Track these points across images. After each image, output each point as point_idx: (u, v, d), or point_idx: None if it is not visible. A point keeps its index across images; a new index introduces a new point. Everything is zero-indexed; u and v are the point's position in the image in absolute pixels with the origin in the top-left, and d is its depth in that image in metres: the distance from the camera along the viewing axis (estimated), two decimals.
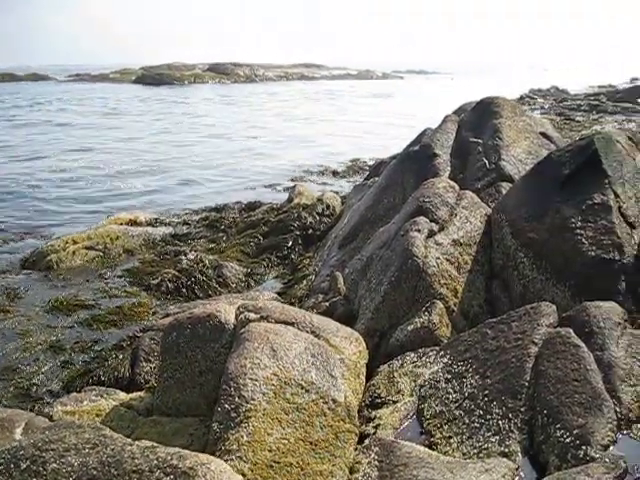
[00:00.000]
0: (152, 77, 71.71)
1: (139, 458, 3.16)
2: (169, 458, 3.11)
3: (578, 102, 34.84)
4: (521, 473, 3.67)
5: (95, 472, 3.10)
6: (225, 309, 4.90)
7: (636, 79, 55.78)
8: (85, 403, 5.36)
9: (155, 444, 3.35)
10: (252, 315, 4.75)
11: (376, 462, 3.76)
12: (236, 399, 3.97)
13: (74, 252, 10.06)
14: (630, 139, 7.13)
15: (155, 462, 3.10)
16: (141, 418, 4.90)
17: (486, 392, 4.27)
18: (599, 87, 50.90)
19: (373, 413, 4.66)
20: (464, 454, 3.96)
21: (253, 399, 3.96)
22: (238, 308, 4.92)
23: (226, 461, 3.62)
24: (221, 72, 78.24)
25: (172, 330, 4.90)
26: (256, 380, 4.07)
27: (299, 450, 3.83)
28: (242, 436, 3.78)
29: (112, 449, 3.26)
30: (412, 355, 5.24)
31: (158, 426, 4.65)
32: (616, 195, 5.74)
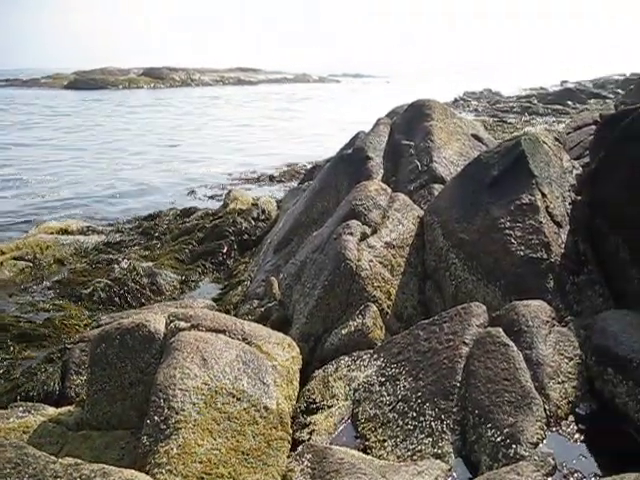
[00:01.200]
0: (85, 82, 70.39)
1: (62, 477, 3.06)
2: (93, 475, 3.02)
3: (511, 104, 35.60)
4: (454, 474, 3.68)
5: None
6: (154, 318, 4.79)
7: (566, 82, 57.24)
8: (12, 420, 5.16)
9: (79, 461, 3.24)
10: (182, 324, 4.65)
11: (309, 469, 3.71)
12: (165, 410, 3.87)
13: (1, 263, 9.72)
14: (557, 140, 7.28)
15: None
16: (71, 433, 4.74)
17: (419, 394, 4.27)
18: (531, 89, 52.03)
19: (308, 419, 4.62)
20: (398, 457, 3.96)
21: (183, 410, 3.87)
22: (168, 317, 4.81)
23: (155, 474, 3.53)
24: (156, 77, 77.15)
25: (100, 341, 4.76)
26: (186, 390, 3.98)
27: (231, 460, 3.75)
28: (172, 448, 3.69)
29: (34, 468, 3.15)
30: (346, 359, 5.22)
31: (88, 441, 4.50)
32: (543, 195, 5.83)
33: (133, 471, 3.11)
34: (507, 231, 5.63)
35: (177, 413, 3.85)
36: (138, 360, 4.58)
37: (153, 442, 3.76)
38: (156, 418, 3.86)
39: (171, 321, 4.73)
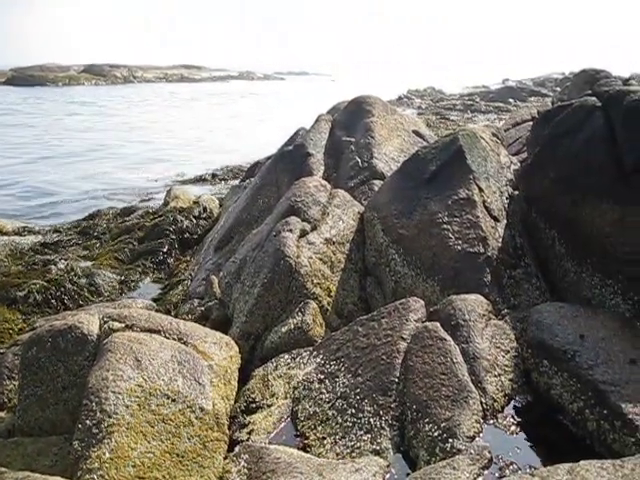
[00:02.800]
0: (24, 79, 68.74)
1: None
2: None
3: (453, 102, 36.01)
4: (392, 470, 3.67)
5: None
6: (88, 319, 4.66)
7: (507, 80, 58.11)
8: None
9: (3, 469, 3.14)
10: (116, 324, 4.54)
11: (245, 470, 3.66)
12: (98, 414, 3.76)
13: None
14: (495, 135, 7.36)
15: None
16: (1, 440, 4.58)
17: (358, 390, 4.25)
18: (474, 88, 52.70)
19: (247, 418, 4.56)
20: (337, 454, 3.92)
21: (116, 413, 3.77)
22: (102, 318, 4.69)
23: None
24: (97, 73, 75.81)
25: (32, 345, 4.61)
26: (119, 393, 3.88)
27: (165, 463, 3.67)
28: (104, 453, 3.59)
29: None
30: (286, 357, 5.17)
31: (20, 447, 4.36)
32: (480, 190, 5.87)
33: (59, 478, 3.00)
34: (445, 226, 5.65)
35: (110, 416, 3.75)
36: (71, 363, 4.45)
37: (85, 447, 3.66)
38: (88, 422, 3.75)
39: (105, 322, 4.61)
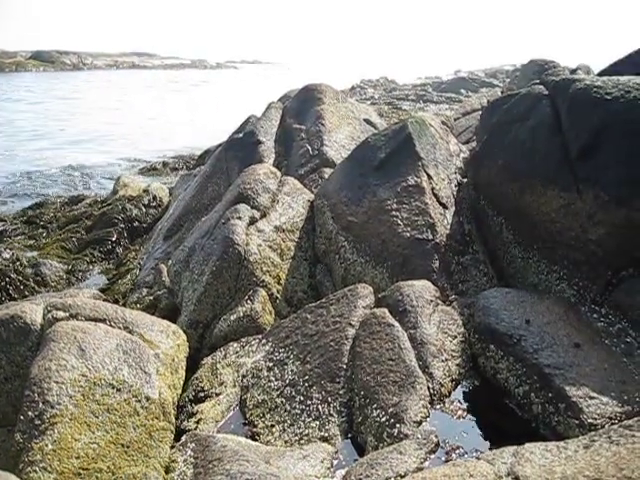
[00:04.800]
0: None
1: None
2: None
3: (406, 92, 36.10)
4: (340, 456, 3.66)
5: None
6: (31, 309, 4.54)
7: (459, 71, 58.56)
8: None
9: None
10: (60, 314, 4.43)
11: (191, 459, 3.61)
12: (40, 405, 3.67)
13: None
14: (444, 124, 7.40)
15: None
16: None
17: (306, 377, 4.24)
18: (426, 78, 52.94)
19: (196, 408, 4.51)
20: (286, 442, 3.91)
21: (59, 404, 3.68)
22: (45, 307, 4.58)
23: (29, 473, 3.35)
24: (46, 60, 74.24)
25: None
26: (62, 383, 3.79)
27: (110, 454, 3.60)
28: (47, 444, 3.50)
29: None
30: (235, 345, 5.13)
31: None
32: (429, 177, 5.90)
33: (2, 472, 2.92)
34: (394, 213, 5.66)
35: (52, 407, 3.66)
36: (13, 353, 4.34)
37: (27, 439, 3.56)
38: (30, 413, 3.65)
39: (48, 311, 4.50)
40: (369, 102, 30.09)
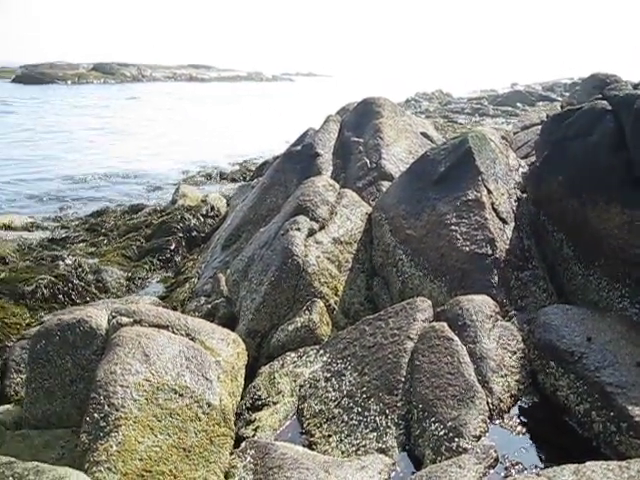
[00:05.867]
0: (33, 76, 68.82)
1: None
2: (26, 473, 2.92)
3: (461, 105, 35.91)
4: (397, 468, 3.68)
5: None
6: (96, 314, 4.69)
7: (516, 84, 57.99)
8: None
9: (12, 459, 3.14)
10: (125, 319, 4.56)
11: (251, 465, 3.67)
12: (105, 407, 3.78)
13: None
14: (504, 138, 7.37)
15: (11, 478, 2.90)
16: (9, 432, 4.61)
17: (364, 389, 4.26)
18: (482, 91, 52.59)
19: (253, 415, 4.58)
20: (343, 452, 3.94)
21: (123, 407, 3.79)
22: (110, 312, 4.72)
23: (94, 473, 3.45)
24: (106, 72, 75.91)
25: (40, 338, 4.64)
26: (127, 387, 3.90)
27: (172, 457, 3.69)
28: (111, 446, 3.60)
29: None
30: (292, 355, 5.19)
31: (27, 440, 4.39)
32: (489, 191, 5.88)
33: (67, 468, 3.02)
34: (453, 227, 5.66)
35: (117, 410, 3.76)
36: (79, 357, 4.48)
37: (92, 440, 3.67)
38: (95, 415, 3.77)
39: (113, 317, 4.64)
40: (424, 115, 30.02)
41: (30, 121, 32.56)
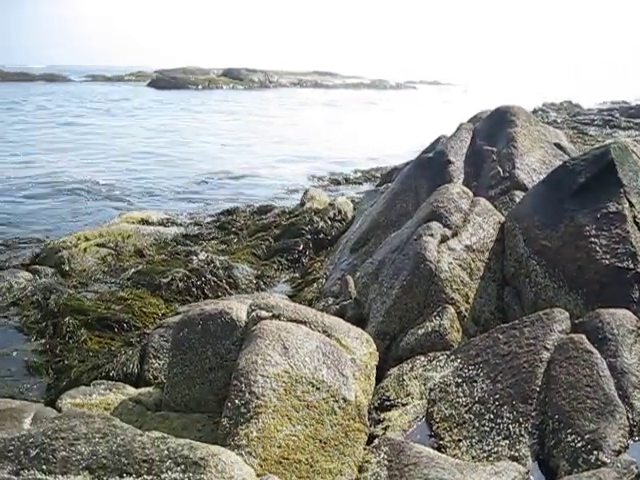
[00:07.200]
0: (166, 81, 71.67)
1: (149, 448, 3.16)
2: (180, 449, 3.11)
3: (591, 117, 34.71)
4: (531, 477, 3.66)
5: (105, 461, 3.11)
6: (237, 306, 4.91)
7: None
8: (94, 396, 5.37)
9: (166, 435, 3.36)
10: (264, 313, 4.75)
11: (385, 462, 3.75)
12: (246, 395, 3.96)
13: (85, 249, 10.04)
14: None
15: (166, 452, 3.10)
16: (149, 413, 4.89)
17: (497, 396, 4.26)
18: (612, 102, 50.67)
19: (382, 415, 4.66)
20: (473, 457, 3.95)
21: (263, 395, 3.96)
22: (250, 306, 4.92)
23: None
24: (235, 77, 78.10)
25: (183, 326, 4.90)
26: (267, 377, 4.07)
27: (308, 447, 3.82)
28: (252, 432, 3.77)
29: (122, 439, 3.26)
30: (422, 359, 5.24)
31: (166, 421, 4.64)
32: (631, 204, 5.72)
33: (219, 447, 3.21)
34: (592, 239, 5.55)
35: (257, 398, 3.94)
36: (219, 346, 4.69)
37: (233, 425, 3.86)
38: (237, 401, 3.95)
39: (252, 310, 4.84)
40: (552, 126, 29.22)
41: (173, 122, 34.35)
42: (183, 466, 2.96)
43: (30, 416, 4.44)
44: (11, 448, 3.22)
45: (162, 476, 2.93)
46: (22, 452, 3.19)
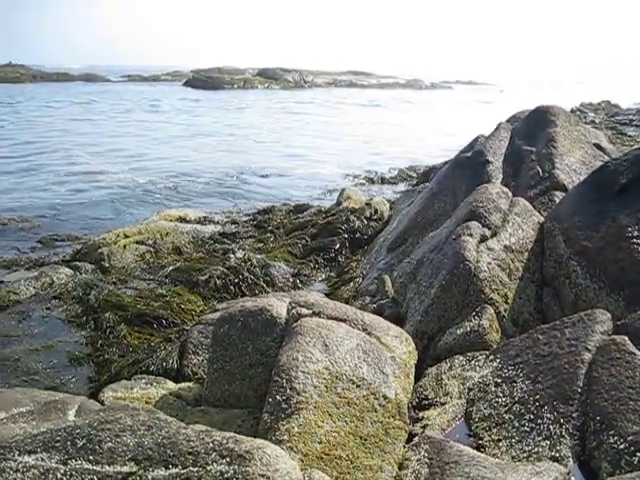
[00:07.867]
0: (202, 80, 72.22)
1: (194, 441, 3.21)
2: (225, 442, 3.15)
3: (630, 117, 34.19)
4: (572, 478, 3.65)
5: (150, 452, 3.16)
6: (277, 304, 4.96)
7: None
8: (135, 390, 5.48)
9: (210, 428, 3.41)
10: (304, 310, 4.79)
11: (426, 459, 3.76)
12: (287, 391, 4.01)
13: (125, 246, 10.21)
14: None
15: (211, 445, 3.14)
16: (189, 408, 4.97)
17: (537, 397, 4.24)
18: None
19: (420, 414, 4.67)
20: (513, 457, 3.94)
21: (304, 391, 4.00)
22: (290, 303, 4.97)
23: None
24: (270, 77, 78.43)
25: (224, 322, 4.96)
26: (308, 373, 4.11)
27: (349, 444, 3.85)
28: (293, 427, 3.82)
29: (167, 431, 3.31)
30: (461, 358, 5.23)
31: (206, 416, 4.71)
32: None
33: (264, 440, 3.25)
34: (635, 240, 5.49)
35: (298, 394, 3.98)
36: (259, 342, 4.74)
37: (274, 420, 3.91)
38: (278, 397, 4.00)
39: (293, 307, 4.89)
40: (589, 126, 28.85)
41: (212, 120, 34.83)
42: (228, 459, 3.00)
43: (74, 408, 4.54)
44: (58, 438, 3.29)
45: (208, 468, 2.98)
46: (69, 442, 3.26)
